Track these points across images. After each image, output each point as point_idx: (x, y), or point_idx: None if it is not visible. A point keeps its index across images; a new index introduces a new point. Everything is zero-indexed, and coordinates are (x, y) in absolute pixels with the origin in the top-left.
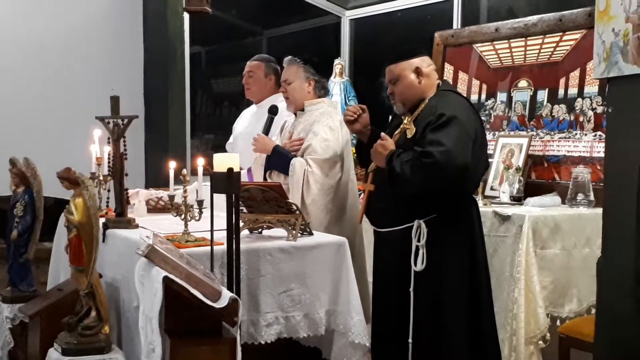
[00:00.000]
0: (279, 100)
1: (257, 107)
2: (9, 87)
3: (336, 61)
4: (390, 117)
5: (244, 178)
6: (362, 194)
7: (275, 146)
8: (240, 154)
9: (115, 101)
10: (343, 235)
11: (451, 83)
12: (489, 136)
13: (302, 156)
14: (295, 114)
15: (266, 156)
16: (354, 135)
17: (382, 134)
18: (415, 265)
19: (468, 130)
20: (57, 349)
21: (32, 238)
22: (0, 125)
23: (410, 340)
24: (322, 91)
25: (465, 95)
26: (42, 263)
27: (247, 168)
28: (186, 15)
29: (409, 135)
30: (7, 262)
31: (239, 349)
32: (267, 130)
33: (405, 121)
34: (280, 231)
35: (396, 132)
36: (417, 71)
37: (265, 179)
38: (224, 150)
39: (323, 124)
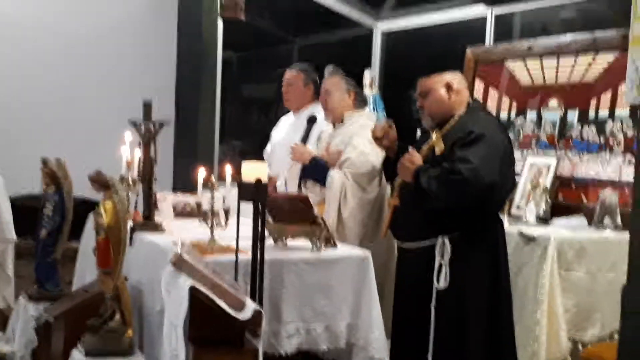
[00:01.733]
0: (317, 109)
1: (295, 116)
2: (43, 88)
3: (366, 72)
4: (418, 131)
5: (282, 189)
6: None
7: (313, 156)
8: (278, 163)
9: (147, 106)
10: (378, 250)
11: (481, 99)
12: (517, 154)
13: (340, 168)
14: (334, 125)
15: (302, 165)
16: None
17: (410, 148)
18: (438, 282)
19: (496, 149)
20: (81, 351)
21: (60, 238)
22: (32, 125)
23: (429, 357)
24: (362, 103)
25: (494, 114)
26: (68, 262)
27: (285, 180)
28: (219, 21)
29: (437, 151)
30: (35, 261)
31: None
32: (305, 139)
33: (433, 137)
34: (304, 242)
35: (424, 147)
36: (448, 86)
37: (299, 188)
38: (251, 156)
39: (362, 136)
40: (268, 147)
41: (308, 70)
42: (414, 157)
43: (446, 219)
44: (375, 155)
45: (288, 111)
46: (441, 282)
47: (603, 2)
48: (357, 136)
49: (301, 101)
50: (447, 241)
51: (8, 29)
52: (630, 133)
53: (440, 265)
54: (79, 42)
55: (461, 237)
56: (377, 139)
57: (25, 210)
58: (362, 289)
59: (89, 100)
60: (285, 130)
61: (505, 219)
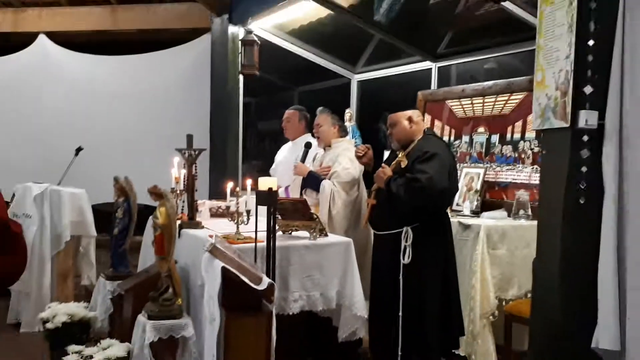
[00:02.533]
0: (308, 138)
1: (292, 143)
2: (116, 126)
3: (347, 110)
4: (385, 152)
5: (283, 194)
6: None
7: (310, 171)
8: (279, 177)
9: (190, 138)
10: (359, 238)
11: None
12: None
13: (329, 179)
14: (324, 149)
15: (302, 178)
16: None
17: (383, 164)
18: (404, 259)
19: (445, 163)
20: (144, 315)
21: (128, 234)
22: (108, 153)
23: (400, 313)
24: (343, 133)
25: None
26: (134, 251)
27: (285, 187)
28: (241, 76)
29: (403, 166)
30: (110, 250)
31: (274, 319)
32: (303, 159)
33: (399, 156)
34: (304, 233)
35: (393, 163)
36: (410, 119)
37: (301, 194)
38: (267, 174)
39: (345, 156)
40: (273, 166)
41: (301, 110)
42: (386, 170)
43: (409, 214)
44: (355, 169)
45: (288, 140)
46: (406, 259)
47: (516, 56)
48: (341, 156)
49: (296, 132)
50: (410, 230)
51: (93, 87)
52: (536, 150)
53: (405, 247)
54: (143, 94)
55: (420, 227)
56: (359, 158)
57: (102, 214)
58: (347, 266)
59: (148, 134)
60: (285, 153)
61: (449, 213)
